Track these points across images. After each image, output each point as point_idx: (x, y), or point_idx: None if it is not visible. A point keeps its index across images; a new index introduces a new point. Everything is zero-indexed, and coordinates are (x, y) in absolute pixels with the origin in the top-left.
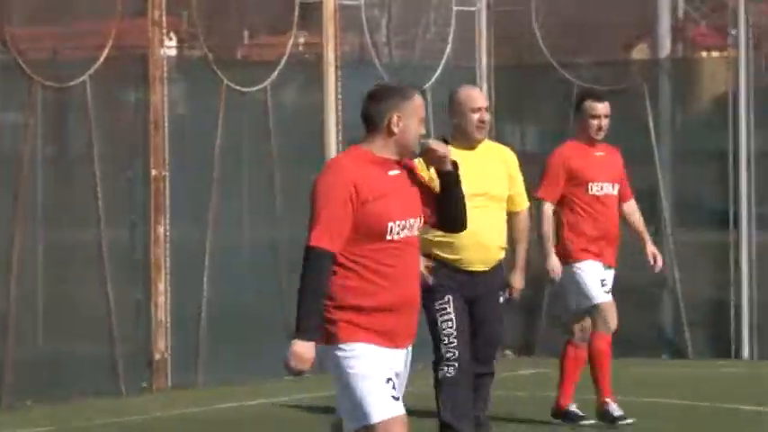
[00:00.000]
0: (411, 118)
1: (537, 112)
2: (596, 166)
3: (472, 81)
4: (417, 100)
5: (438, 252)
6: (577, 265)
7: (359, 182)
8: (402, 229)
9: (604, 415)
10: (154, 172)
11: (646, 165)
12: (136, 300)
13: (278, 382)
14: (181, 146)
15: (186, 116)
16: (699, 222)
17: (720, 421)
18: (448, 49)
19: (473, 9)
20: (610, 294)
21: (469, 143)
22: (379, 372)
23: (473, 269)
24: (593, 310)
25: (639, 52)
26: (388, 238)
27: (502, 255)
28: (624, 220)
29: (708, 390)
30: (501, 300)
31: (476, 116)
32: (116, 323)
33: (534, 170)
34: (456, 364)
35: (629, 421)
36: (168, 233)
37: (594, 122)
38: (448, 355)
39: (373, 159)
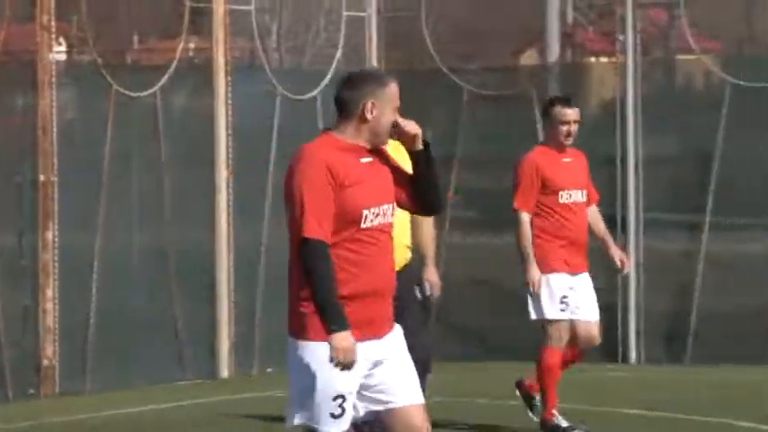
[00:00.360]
0: (386, 106)
1: (427, 117)
2: (565, 172)
3: None
4: (393, 88)
5: None
6: (543, 276)
7: (333, 166)
8: (376, 216)
9: (551, 427)
10: (42, 177)
11: None
12: (24, 306)
13: (167, 387)
14: (70, 151)
15: (75, 121)
16: None
17: (608, 425)
18: (338, 55)
19: (363, 15)
20: (566, 312)
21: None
22: (332, 385)
23: None
24: (545, 324)
25: (528, 58)
26: (363, 225)
27: (408, 254)
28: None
29: (595, 394)
30: (418, 295)
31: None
32: (4, 329)
33: None
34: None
35: (584, 429)
36: (57, 239)
37: (564, 128)
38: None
39: (344, 146)
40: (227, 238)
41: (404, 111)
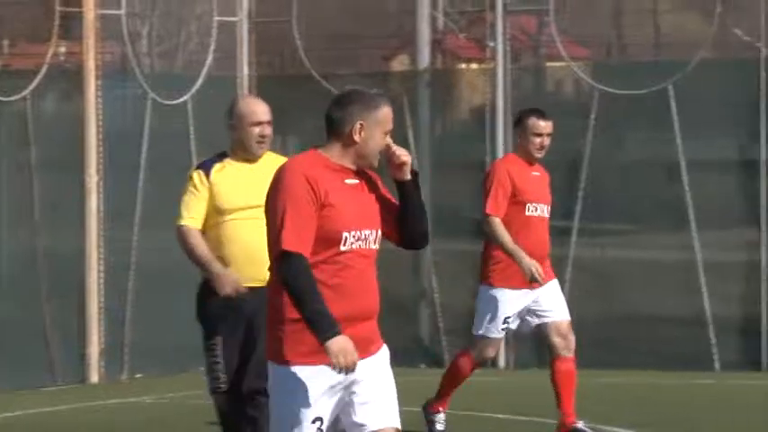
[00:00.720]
0: (375, 129)
1: (298, 123)
2: (534, 185)
3: (233, 91)
4: (384, 110)
5: None
6: (495, 290)
7: (316, 182)
8: (357, 240)
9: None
10: None
11: None
12: None
13: (36, 392)
14: None
15: None
16: (456, 232)
17: (477, 428)
18: (209, 60)
19: (235, 20)
20: (503, 333)
21: (248, 156)
22: (310, 410)
23: (246, 285)
24: (480, 338)
25: (400, 64)
26: (342, 248)
27: None
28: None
29: (464, 398)
30: None
31: (256, 130)
32: None
33: None
34: (224, 396)
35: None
36: None
37: (537, 140)
38: (217, 388)
39: (330, 165)
40: (96, 242)
41: (274, 116)
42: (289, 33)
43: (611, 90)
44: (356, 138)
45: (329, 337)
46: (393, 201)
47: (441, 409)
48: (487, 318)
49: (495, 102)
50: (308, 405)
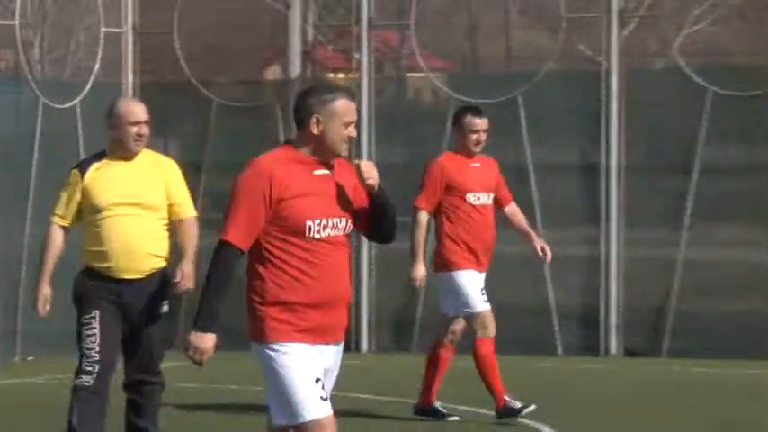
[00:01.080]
0: (331, 120)
1: (179, 127)
2: (473, 176)
3: (119, 96)
4: (339, 102)
5: (91, 260)
6: (459, 272)
7: (275, 180)
8: (324, 228)
9: (507, 412)
10: None
11: None
12: None
13: None
14: None
15: None
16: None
17: (342, 408)
18: (96, 68)
19: (120, 31)
20: (488, 303)
21: (125, 154)
22: (308, 372)
23: (125, 277)
24: (473, 318)
25: (273, 73)
26: (308, 236)
27: (159, 264)
28: (508, 222)
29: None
30: (164, 309)
31: (134, 129)
32: None
33: None
34: (94, 377)
35: (532, 407)
36: None
37: (474, 137)
38: (88, 368)
39: (298, 158)
40: None
41: (156, 121)
42: (170, 44)
43: (465, 99)
44: (314, 130)
45: (199, 330)
46: (364, 195)
47: (506, 397)
48: (463, 297)
49: (360, 108)
50: (305, 370)
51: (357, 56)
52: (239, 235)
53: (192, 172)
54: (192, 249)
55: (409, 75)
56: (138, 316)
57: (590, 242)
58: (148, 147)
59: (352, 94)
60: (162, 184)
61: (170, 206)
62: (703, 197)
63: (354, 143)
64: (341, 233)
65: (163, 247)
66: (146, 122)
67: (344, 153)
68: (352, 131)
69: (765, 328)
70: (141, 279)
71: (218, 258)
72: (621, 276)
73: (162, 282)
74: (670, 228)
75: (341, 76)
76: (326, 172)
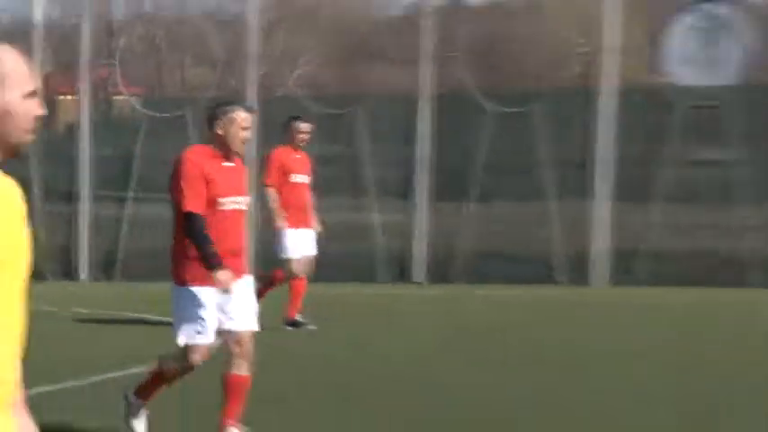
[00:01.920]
0: (230, 127)
1: None
2: (297, 165)
3: None
4: (237, 114)
5: None
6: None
7: (199, 164)
8: (231, 203)
9: (293, 322)
10: None
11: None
12: None
13: None
14: None
15: None
16: None
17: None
18: None
19: None
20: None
21: (232, 154)
22: (196, 311)
23: None
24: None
25: None
26: (220, 208)
27: None
28: None
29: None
30: None
31: None
32: None
33: None
34: None
35: (312, 327)
36: None
37: (301, 136)
38: None
39: (210, 153)
40: None
41: None
42: None
43: (156, 115)
44: (219, 132)
45: (218, 269)
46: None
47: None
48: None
49: (81, 122)
50: (199, 308)
51: (78, 86)
52: (194, 203)
53: None
54: None
55: (115, 97)
56: None
57: None
58: None
59: (249, 107)
60: None
61: None
62: None
63: (76, 144)
64: (242, 207)
65: None
66: None
67: (240, 151)
68: (247, 135)
69: None
70: None
71: (192, 224)
72: None
73: None
74: None
75: (69, 97)
76: (232, 164)
